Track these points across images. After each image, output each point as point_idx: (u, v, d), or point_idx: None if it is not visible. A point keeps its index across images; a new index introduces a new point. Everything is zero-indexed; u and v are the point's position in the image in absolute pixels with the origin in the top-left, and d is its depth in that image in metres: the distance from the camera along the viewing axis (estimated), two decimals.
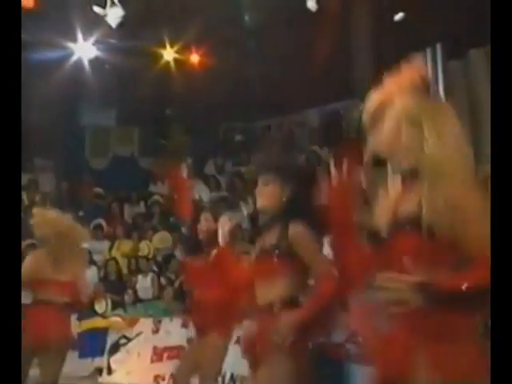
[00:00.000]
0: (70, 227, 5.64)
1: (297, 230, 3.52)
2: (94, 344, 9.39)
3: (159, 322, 8.81)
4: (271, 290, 3.51)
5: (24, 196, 12.20)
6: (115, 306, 9.71)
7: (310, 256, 3.50)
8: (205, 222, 5.35)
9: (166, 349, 8.58)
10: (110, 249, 11.25)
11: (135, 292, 9.97)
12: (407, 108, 2.35)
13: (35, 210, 5.78)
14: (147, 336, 8.87)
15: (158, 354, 8.66)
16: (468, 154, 2.36)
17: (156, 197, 12.25)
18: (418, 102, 2.35)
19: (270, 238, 3.60)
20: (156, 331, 8.81)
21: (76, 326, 9.63)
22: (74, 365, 9.48)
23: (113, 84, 12.01)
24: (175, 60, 11.46)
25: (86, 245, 10.96)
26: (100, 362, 9.29)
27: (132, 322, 9.16)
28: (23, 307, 3.10)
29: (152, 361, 8.68)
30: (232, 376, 7.63)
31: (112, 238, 11.47)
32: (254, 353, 3.60)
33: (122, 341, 9.16)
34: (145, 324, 8.97)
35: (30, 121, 11.58)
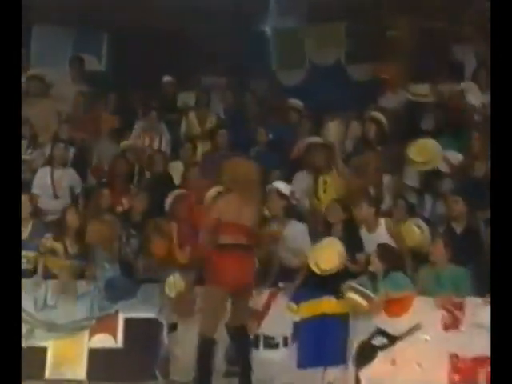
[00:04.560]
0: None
1: None
2: (327, 344, 5.35)
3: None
4: None
5: (193, 117, 9.35)
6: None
7: None
8: None
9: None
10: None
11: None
12: None
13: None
14: (435, 334, 4.71)
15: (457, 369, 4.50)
16: None
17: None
18: None
19: None
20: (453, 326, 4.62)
21: (291, 311, 5.74)
22: (291, 379, 5.53)
23: None
24: None
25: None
26: (341, 373, 5.24)
27: (399, 308, 5.00)
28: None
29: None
30: None
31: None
32: None
33: (380, 339, 5.04)
34: (424, 309, 4.85)
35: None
